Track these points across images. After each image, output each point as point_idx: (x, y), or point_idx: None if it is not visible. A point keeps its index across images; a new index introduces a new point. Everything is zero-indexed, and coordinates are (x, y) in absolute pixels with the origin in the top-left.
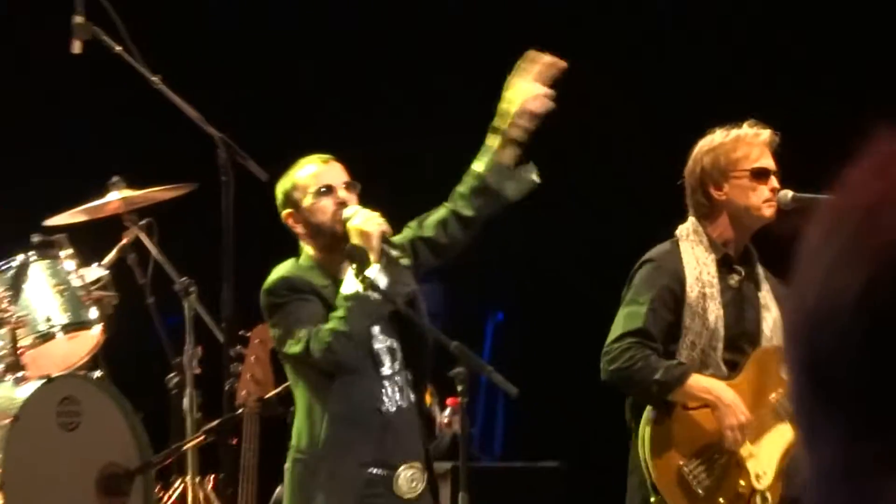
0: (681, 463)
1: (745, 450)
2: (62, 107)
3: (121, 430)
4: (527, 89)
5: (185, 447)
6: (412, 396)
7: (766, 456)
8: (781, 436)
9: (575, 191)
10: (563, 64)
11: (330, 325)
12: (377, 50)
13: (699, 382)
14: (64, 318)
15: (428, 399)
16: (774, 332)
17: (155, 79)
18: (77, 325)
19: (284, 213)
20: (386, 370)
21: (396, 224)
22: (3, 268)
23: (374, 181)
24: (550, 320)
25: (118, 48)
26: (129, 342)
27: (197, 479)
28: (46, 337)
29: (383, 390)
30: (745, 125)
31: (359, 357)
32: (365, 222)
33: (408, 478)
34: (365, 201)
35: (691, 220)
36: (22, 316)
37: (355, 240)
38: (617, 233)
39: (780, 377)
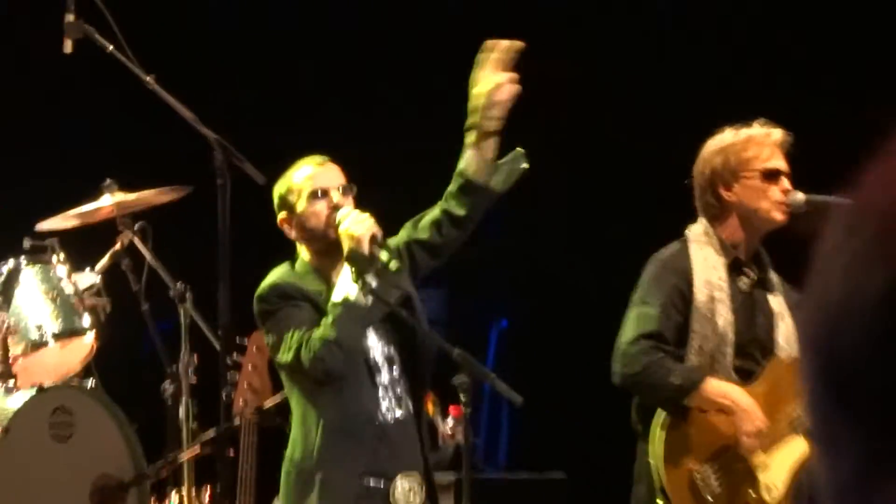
0: (693, 468)
1: (758, 460)
2: (53, 108)
3: (114, 440)
4: (490, 80)
5: (180, 458)
6: (411, 406)
7: (777, 468)
8: (795, 449)
9: (581, 194)
10: (519, 44)
11: (319, 332)
12: (377, 50)
13: (716, 387)
14: (56, 326)
15: (430, 408)
16: (788, 342)
17: (149, 79)
18: (69, 332)
19: (279, 216)
20: (383, 379)
21: (394, 226)
22: None
23: (372, 182)
24: (556, 327)
25: (111, 47)
26: (122, 350)
27: (193, 492)
28: (38, 345)
29: (380, 399)
30: (755, 124)
31: (351, 365)
32: (354, 225)
33: (405, 489)
34: (366, 203)
35: (702, 220)
36: (12, 323)
37: (346, 243)
38: (623, 238)
39: (798, 390)
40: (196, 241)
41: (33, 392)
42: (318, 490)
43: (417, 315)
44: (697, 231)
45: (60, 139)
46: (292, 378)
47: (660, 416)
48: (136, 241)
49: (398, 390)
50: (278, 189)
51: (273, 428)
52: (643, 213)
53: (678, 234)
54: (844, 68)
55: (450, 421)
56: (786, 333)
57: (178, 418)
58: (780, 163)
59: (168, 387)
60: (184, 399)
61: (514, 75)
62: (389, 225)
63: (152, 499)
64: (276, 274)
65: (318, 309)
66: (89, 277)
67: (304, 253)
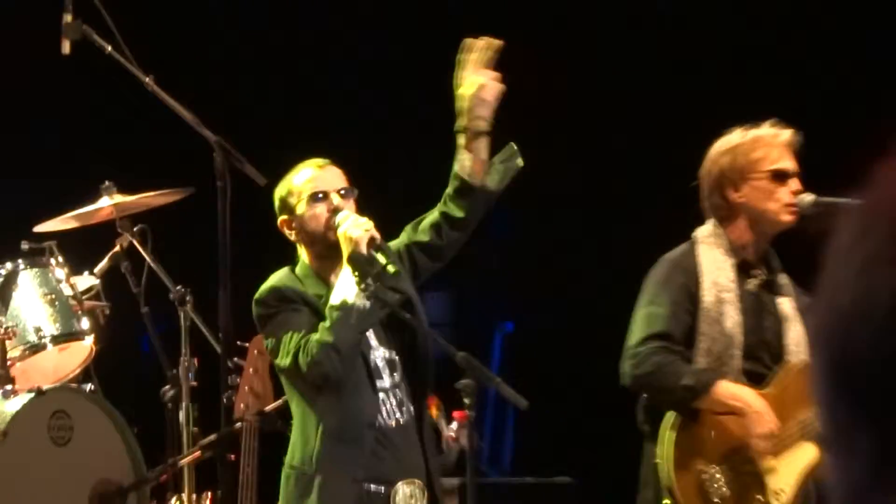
0: (702, 469)
1: (768, 463)
2: (51, 109)
3: (114, 445)
4: (473, 80)
5: (181, 463)
6: (413, 410)
7: (786, 473)
8: (805, 455)
9: (588, 195)
10: (497, 42)
11: (316, 337)
12: (377, 51)
13: (728, 389)
14: (54, 329)
15: (434, 412)
16: (799, 346)
17: (148, 79)
18: (68, 335)
19: (280, 219)
20: (384, 383)
21: (394, 229)
22: None
23: (373, 183)
24: (562, 330)
25: (109, 48)
26: (122, 353)
27: (194, 497)
28: (36, 348)
29: (380, 404)
30: (764, 125)
31: (351, 369)
32: (352, 228)
33: (406, 495)
34: (367, 205)
35: (710, 221)
36: (11, 326)
37: (344, 246)
38: (630, 240)
39: (809, 396)
40: (196, 244)
41: (32, 396)
42: (317, 495)
43: (419, 318)
44: (706, 232)
45: (57, 142)
46: (291, 382)
47: (670, 416)
48: (136, 243)
49: (399, 395)
50: (279, 191)
51: (274, 432)
52: (650, 216)
53: (685, 237)
54: (852, 68)
55: (454, 425)
56: (797, 338)
57: (179, 422)
58: (788, 164)
59: (168, 390)
60: (184, 403)
61: (496, 73)
62: (390, 227)
63: None
64: (276, 278)
65: (317, 313)
66: (88, 280)
67: (304, 256)
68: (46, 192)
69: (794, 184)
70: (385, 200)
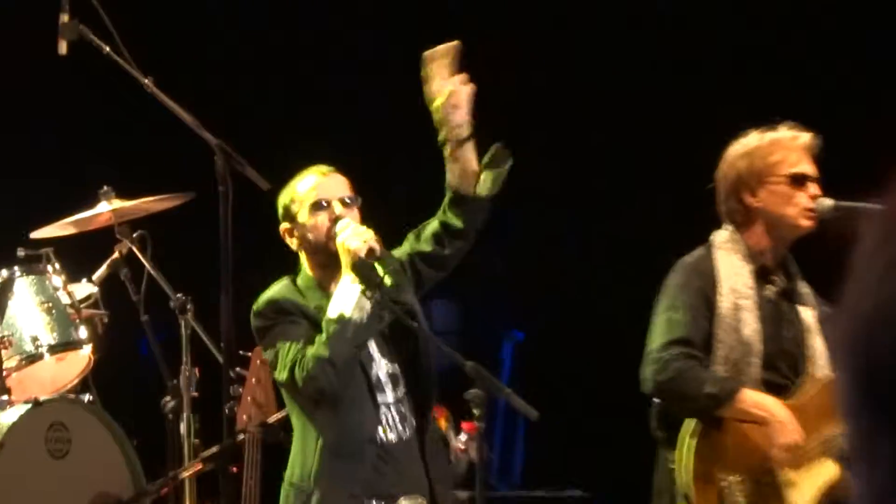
0: (721, 478)
1: (788, 476)
2: (47, 112)
3: (113, 457)
4: (442, 90)
5: (181, 476)
6: (416, 425)
7: (806, 488)
8: (825, 471)
9: (599, 201)
10: (455, 44)
11: (312, 350)
12: (377, 50)
13: (752, 397)
14: (51, 338)
15: (443, 424)
16: (821, 359)
17: (147, 81)
18: (66, 345)
19: (282, 227)
20: (386, 397)
21: (394, 230)
22: None
23: (373, 184)
24: (573, 340)
25: (107, 49)
26: (121, 363)
27: None
28: (33, 358)
29: (381, 418)
30: (782, 127)
31: (349, 384)
32: (350, 239)
33: None
34: (368, 206)
35: (727, 226)
36: (6, 336)
37: (342, 257)
38: (641, 247)
39: (833, 411)
40: (197, 250)
41: (28, 407)
42: None
43: (422, 329)
44: (723, 237)
45: (54, 146)
46: (291, 396)
47: (690, 423)
48: (135, 250)
49: (402, 409)
50: (282, 199)
51: (277, 444)
52: (661, 222)
53: (696, 243)
54: (852, 68)
55: (462, 436)
56: (818, 350)
57: (180, 434)
58: (807, 167)
59: (169, 401)
60: (185, 414)
61: (463, 76)
62: (391, 228)
63: None
64: (274, 289)
65: (316, 325)
66: (86, 288)
67: (306, 266)
68: (43, 197)
69: (813, 188)
70: (386, 201)
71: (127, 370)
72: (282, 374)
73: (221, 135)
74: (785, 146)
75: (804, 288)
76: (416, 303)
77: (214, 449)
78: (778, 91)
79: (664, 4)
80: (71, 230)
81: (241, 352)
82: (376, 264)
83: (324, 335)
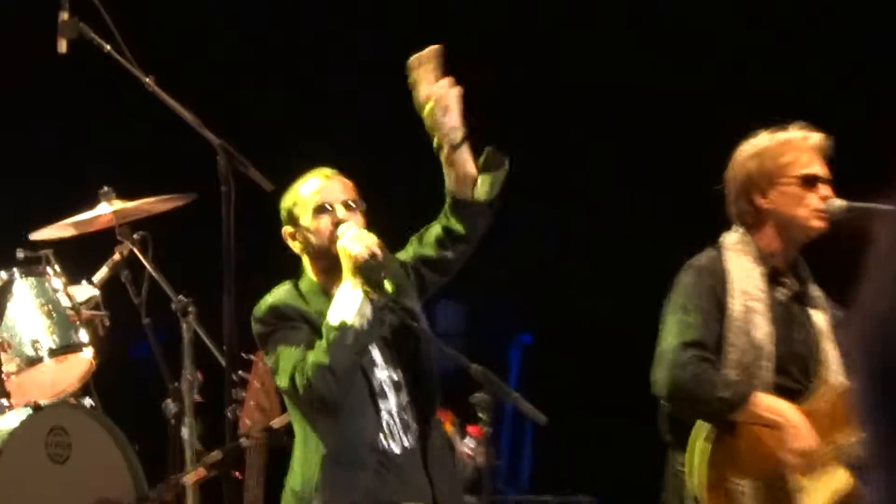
0: (733, 481)
1: (800, 482)
2: (47, 111)
3: (114, 462)
4: (430, 95)
5: (184, 481)
6: (419, 432)
7: (817, 495)
8: (837, 479)
9: (607, 206)
10: (436, 48)
11: (312, 357)
12: (377, 50)
13: (766, 402)
14: (51, 341)
15: (449, 428)
16: (833, 364)
17: (148, 80)
18: (66, 348)
19: (285, 230)
20: (389, 404)
21: (394, 231)
22: None
23: (373, 185)
24: (582, 342)
25: (108, 47)
26: (122, 367)
27: None
28: (33, 361)
29: (384, 426)
30: (793, 127)
31: (350, 392)
32: (351, 243)
33: None
34: (369, 206)
35: (737, 228)
36: (6, 339)
37: (343, 262)
38: (648, 251)
39: (850, 419)
40: (199, 252)
41: (28, 411)
42: None
43: (425, 335)
44: (733, 239)
45: (54, 145)
46: (292, 402)
47: (701, 426)
48: (136, 251)
49: (405, 416)
50: (285, 202)
51: (281, 448)
52: (667, 226)
53: (696, 242)
54: (852, 68)
55: (469, 441)
56: (833, 354)
57: (182, 438)
58: (818, 168)
59: (171, 405)
60: (187, 418)
61: (449, 79)
62: (391, 229)
63: None
64: (275, 294)
65: (318, 330)
66: (87, 290)
67: (309, 270)
68: (43, 197)
69: (825, 189)
70: (386, 202)
71: (128, 374)
72: (282, 381)
73: (221, 135)
74: (796, 147)
75: (815, 291)
76: (418, 307)
77: (217, 454)
78: (778, 91)
79: (664, 4)
80: (71, 232)
81: (243, 355)
82: (383, 269)
83: (324, 342)
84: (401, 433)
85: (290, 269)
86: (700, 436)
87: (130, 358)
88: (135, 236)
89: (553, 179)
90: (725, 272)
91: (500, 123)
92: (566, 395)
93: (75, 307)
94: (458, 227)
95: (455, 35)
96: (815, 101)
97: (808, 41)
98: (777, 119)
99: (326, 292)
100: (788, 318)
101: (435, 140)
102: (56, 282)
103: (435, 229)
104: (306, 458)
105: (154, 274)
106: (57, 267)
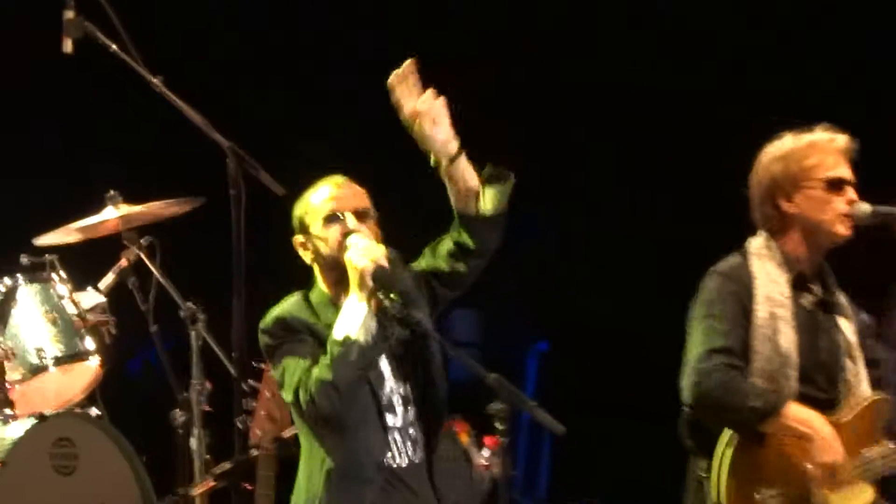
0: (756, 491)
1: (824, 496)
2: (51, 112)
3: (121, 474)
4: (413, 112)
5: (193, 493)
6: (426, 447)
7: None
8: (860, 494)
9: (623, 214)
10: (411, 62)
11: (316, 373)
12: (377, 50)
13: (796, 413)
14: (57, 350)
15: (465, 439)
16: (858, 376)
17: (156, 80)
18: (71, 356)
19: (296, 239)
20: (396, 420)
21: (394, 231)
22: None
23: (373, 185)
24: (599, 351)
25: (114, 47)
26: (129, 376)
27: None
28: (37, 370)
29: (390, 442)
30: (818, 129)
31: (350, 407)
32: (357, 256)
33: None
34: (383, 214)
35: (762, 234)
36: (10, 347)
37: (350, 275)
38: (665, 260)
39: (878, 433)
40: (208, 258)
41: (33, 422)
42: None
43: (430, 349)
44: (758, 244)
45: (59, 148)
46: (298, 416)
47: (726, 433)
48: (144, 257)
49: (412, 432)
50: (296, 211)
51: (292, 459)
52: (685, 234)
53: (718, 256)
54: (852, 68)
55: (485, 452)
56: (860, 364)
57: (190, 449)
58: (844, 171)
59: (179, 415)
60: (196, 429)
61: (430, 91)
62: (391, 230)
63: None
64: (283, 305)
65: (325, 344)
66: (93, 297)
67: (320, 281)
68: (48, 202)
69: (851, 193)
70: (386, 202)
71: (135, 383)
72: (288, 395)
73: (221, 135)
74: (821, 149)
75: (841, 298)
76: (427, 320)
77: (227, 465)
78: (778, 91)
79: (664, 4)
80: (77, 237)
81: (254, 364)
82: (390, 282)
83: (328, 357)
84: (408, 448)
85: (300, 274)
86: (724, 443)
87: (128, 374)
88: (142, 241)
89: (553, 179)
90: (751, 278)
91: (500, 123)
92: (584, 403)
93: (81, 314)
94: (468, 242)
95: (455, 35)
96: (815, 101)
97: (808, 41)
98: (777, 119)
99: (337, 304)
100: (814, 325)
101: (431, 157)
102: (61, 288)
103: (447, 243)
104: (311, 474)
105: (162, 280)
106: (62, 273)
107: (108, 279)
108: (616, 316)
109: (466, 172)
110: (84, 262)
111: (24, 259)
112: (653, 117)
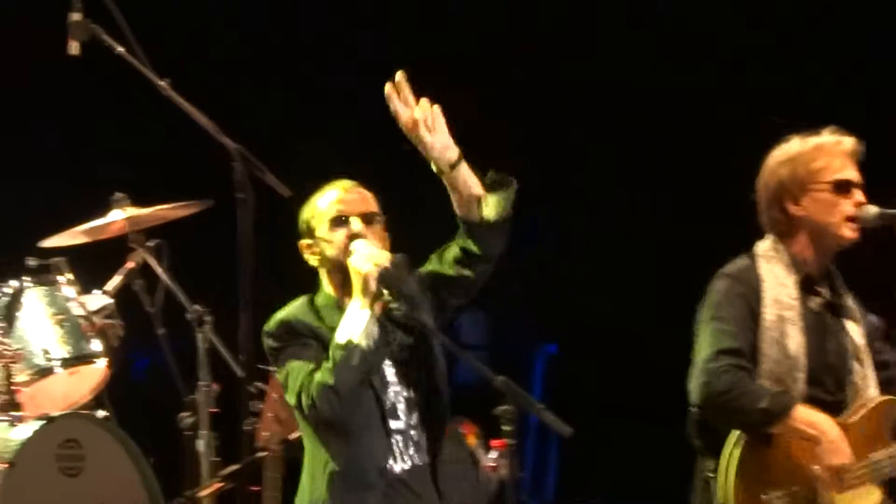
0: (763, 492)
1: (831, 498)
2: (59, 115)
3: (128, 475)
4: (408, 121)
5: (200, 495)
6: (429, 451)
7: None
8: (868, 496)
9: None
10: (401, 73)
11: (318, 377)
12: (377, 50)
13: (804, 415)
14: (63, 352)
15: (472, 441)
16: (867, 379)
17: (163, 83)
18: (78, 358)
19: (301, 242)
20: (399, 424)
21: (395, 232)
22: None
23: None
24: (607, 353)
25: (121, 49)
26: (136, 378)
27: None
28: (44, 372)
29: (393, 447)
30: (824, 132)
31: (352, 411)
32: (361, 262)
33: None
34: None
35: (770, 236)
36: (17, 349)
37: (353, 280)
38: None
39: (886, 435)
40: (215, 261)
41: (40, 423)
42: None
43: (433, 353)
44: (766, 247)
45: (65, 150)
46: (302, 419)
47: (734, 434)
48: (150, 259)
49: (415, 435)
50: (303, 214)
51: (299, 461)
52: (693, 237)
53: (719, 256)
54: (852, 68)
55: (493, 454)
56: (868, 367)
57: (198, 451)
58: (851, 174)
59: (186, 417)
60: (203, 431)
61: (424, 100)
62: (391, 231)
63: None
64: (287, 309)
65: (328, 348)
66: (100, 299)
67: (326, 284)
68: (54, 204)
69: (858, 195)
70: (386, 202)
71: (142, 385)
72: (291, 398)
73: (241, 140)
74: (828, 152)
75: (849, 301)
76: (431, 324)
77: (234, 467)
78: (778, 91)
79: (664, 4)
80: (83, 239)
81: (260, 366)
82: (387, 291)
83: (330, 362)
84: (410, 451)
85: (306, 277)
86: (731, 443)
87: (134, 375)
88: (149, 244)
89: (553, 179)
90: (759, 281)
91: (500, 124)
92: (592, 405)
93: (88, 317)
94: (473, 248)
95: (455, 35)
96: (815, 101)
97: (808, 41)
98: (777, 119)
99: (342, 307)
100: (821, 328)
101: (432, 165)
102: (68, 290)
103: (453, 249)
104: (314, 476)
105: (169, 283)
106: (69, 275)
107: (115, 281)
108: (616, 316)
109: (468, 179)
110: (91, 265)
111: (30, 261)
112: (653, 117)
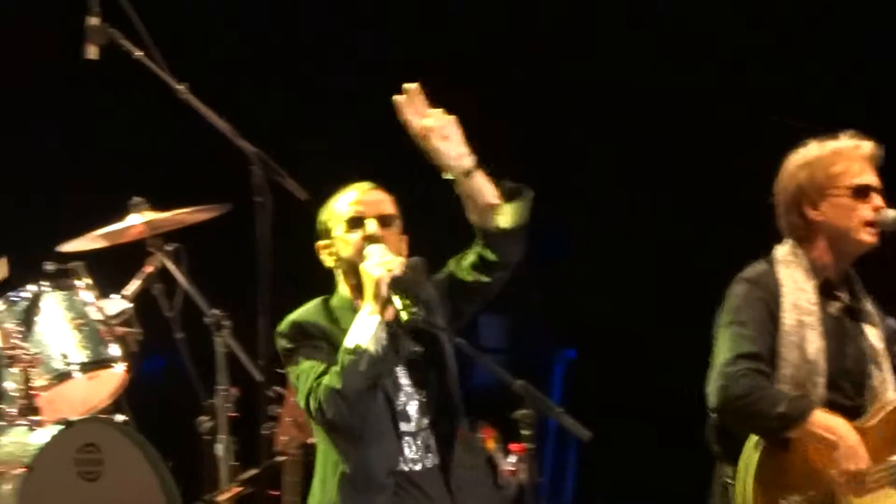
0: (781, 496)
1: (849, 502)
2: (77, 120)
3: (147, 480)
4: (422, 129)
5: (219, 499)
6: (441, 454)
7: None
8: (886, 500)
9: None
10: (415, 87)
11: (326, 380)
12: (377, 50)
13: (823, 420)
14: (82, 356)
15: (491, 445)
16: (885, 383)
17: (181, 87)
18: (97, 363)
19: (318, 243)
20: (410, 426)
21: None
22: (13, 300)
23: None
24: (626, 357)
25: (139, 53)
26: (155, 382)
27: None
28: (63, 377)
29: (404, 449)
30: (843, 136)
31: (360, 416)
32: (373, 267)
33: None
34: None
35: (788, 241)
36: (35, 354)
37: (365, 284)
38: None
39: None
40: (234, 265)
41: (59, 428)
42: None
43: (445, 357)
44: (784, 252)
45: (83, 155)
46: (312, 421)
47: (752, 438)
48: (169, 264)
49: (427, 439)
50: (321, 215)
51: None
52: (710, 242)
53: (718, 256)
54: (852, 68)
55: (512, 458)
56: (888, 371)
57: (216, 455)
58: (870, 178)
59: (205, 421)
60: (222, 435)
61: (438, 109)
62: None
63: None
64: (301, 310)
65: (339, 351)
66: (118, 304)
67: (342, 286)
68: (72, 208)
69: (877, 199)
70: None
71: (162, 389)
72: (301, 400)
73: (259, 144)
74: (847, 156)
75: (869, 306)
76: (443, 328)
77: (253, 471)
78: (778, 91)
79: (664, 4)
80: (101, 244)
81: (279, 370)
82: (398, 297)
83: (338, 366)
84: (422, 455)
85: (324, 281)
86: (750, 448)
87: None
88: (167, 248)
89: (553, 179)
90: (777, 285)
91: (500, 124)
92: (611, 410)
93: (106, 321)
94: (489, 256)
95: (455, 35)
96: (815, 101)
97: (808, 41)
98: (777, 119)
99: (357, 309)
100: (841, 332)
101: (446, 174)
102: (86, 295)
103: (470, 256)
104: (325, 478)
105: (187, 287)
106: (87, 280)
107: (134, 286)
108: (616, 316)
109: (483, 188)
110: (109, 269)
111: (48, 266)
112: (653, 117)
